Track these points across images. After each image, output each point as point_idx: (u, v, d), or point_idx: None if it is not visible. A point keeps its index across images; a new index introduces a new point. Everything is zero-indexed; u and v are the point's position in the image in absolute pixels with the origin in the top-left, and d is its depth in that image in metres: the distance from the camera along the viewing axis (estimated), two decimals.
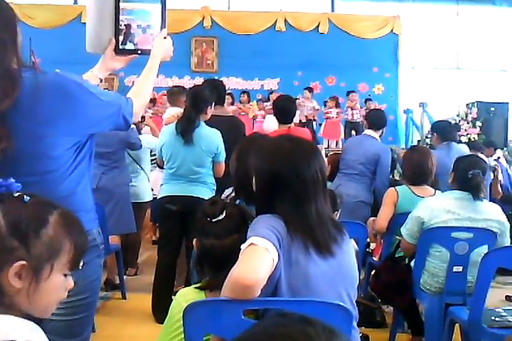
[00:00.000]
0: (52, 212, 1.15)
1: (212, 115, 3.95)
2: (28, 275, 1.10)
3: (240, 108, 11.08)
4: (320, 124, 11.66)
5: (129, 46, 1.89)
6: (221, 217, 1.73)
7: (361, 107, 11.46)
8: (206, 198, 3.62)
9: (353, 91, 11.54)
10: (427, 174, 3.52)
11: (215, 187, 3.79)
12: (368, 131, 4.55)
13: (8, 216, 1.09)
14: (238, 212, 1.77)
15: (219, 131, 3.76)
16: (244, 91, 11.46)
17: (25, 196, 1.13)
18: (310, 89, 11.54)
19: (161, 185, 3.92)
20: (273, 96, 11.11)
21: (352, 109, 11.33)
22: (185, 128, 3.69)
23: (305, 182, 1.66)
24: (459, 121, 9.81)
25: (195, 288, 1.75)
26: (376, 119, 4.59)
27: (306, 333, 0.75)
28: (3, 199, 1.11)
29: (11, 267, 1.09)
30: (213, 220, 1.74)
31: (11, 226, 1.09)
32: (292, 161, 1.68)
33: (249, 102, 11.25)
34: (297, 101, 10.78)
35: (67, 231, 1.15)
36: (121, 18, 1.87)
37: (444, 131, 4.65)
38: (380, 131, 4.54)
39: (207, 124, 3.79)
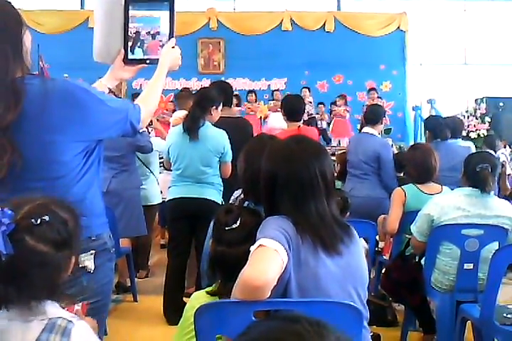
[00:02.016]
0: (56, 209, 1.32)
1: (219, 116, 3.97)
2: (75, 259, 1.37)
3: (248, 108, 11.09)
4: (328, 124, 11.65)
5: (139, 52, 1.90)
6: (234, 226, 1.74)
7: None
8: (214, 199, 3.65)
9: (373, 89, 11.42)
10: (431, 171, 3.52)
11: (222, 188, 3.81)
12: (366, 129, 4.49)
13: (47, 241, 1.27)
14: (253, 221, 1.75)
15: (225, 132, 3.78)
16: (251, 91, 11.47)
17: (45, 217, 1.28)
18: (309, 89, 11.47)
19: (169, 187, 3.94)
20: (277, 94, 11.14)
21: None
22: (190, 126, 3.72)
23: (302, 184, 1.67)
24: (468, 117, 9.76)
25: (207, 292, 1.76)
26: (371, 114, 4.54)
27: (295, 332, 0.75)
28: (30, 230, 1.25)
29: (69, 266, 1.34)
30: (226, 228, 1.75)
31: (55, 246, 1.28)
32: (291, 163, 1.69)
33: (256, 101, 11.25)
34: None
35: (68, 213, 1.34)
36: (130, 25, 1.88)
37: (434, 129, 4.56)
38: (379, 126, 4.50)
39: (214, 125, 3.81)
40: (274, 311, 1.58)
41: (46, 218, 1.27)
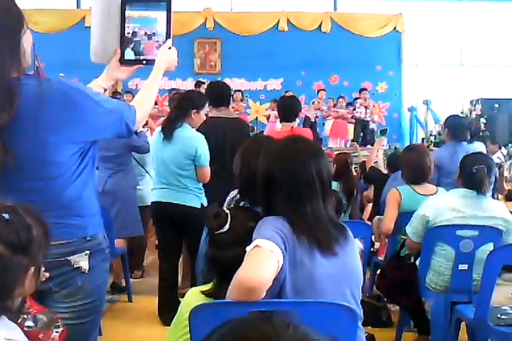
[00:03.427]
0: (22, 213, 1.23)
1: (216, 117, 3.96)
2: (34, 272, 1.22)
3: (232, 107, 11.03)
4: (323, 124, 11.65)
5: (129, 53, 1.89)
6: (223, 230, 1.73)
7: (373, 106, 11.47)
8: (192, 205, 3.65)
9: (365, 89, 11.45)
10: (426, 172, 3.53)
11: (201, 192, 3.76)
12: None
13: (2, 240, 1.16)
14: (243, 225, 1.74)
15: (223, 132, 3.76)
16: (237, 90, 11.39)
17: (4, 215, 1.19)
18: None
19: (152, 189, 3.96)
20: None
21: (366, 108, 11.21)
22: (166, 126, 3.73)
23: (298, 184, 1.67)
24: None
25: (202, 292, 1.76)
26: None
27: (250, 327, 0.77)
28: None
29: (26, 277, 1.20)
30: (216, 232, 1.75)
31: (11, 246, 1.17)
32: (287, 163, 1.69)
33: (242, 101, 11.17)
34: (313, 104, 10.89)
35: (37, 222, 1.25)
36: (126, 26, 1.88)
37: (455, 129, 4.51)
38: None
39: (210, 125, 3.80)
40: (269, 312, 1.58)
41: (6, 216, 1.19)
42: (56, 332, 1.34)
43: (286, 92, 11.12)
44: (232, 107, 10.96)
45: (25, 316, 1.30)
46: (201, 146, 3.66)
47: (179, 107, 3.74)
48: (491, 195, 3.11)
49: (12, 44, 1.57)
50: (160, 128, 3.79)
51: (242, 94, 11.33)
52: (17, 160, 1.57)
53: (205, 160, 3.67)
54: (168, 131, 3.67)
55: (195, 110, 3.71)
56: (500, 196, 5.24)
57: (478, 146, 4.76)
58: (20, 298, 1.24)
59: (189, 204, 3.68)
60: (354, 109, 11.29)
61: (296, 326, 0.78)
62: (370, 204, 5.18)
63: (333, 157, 5.07)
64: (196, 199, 3.71)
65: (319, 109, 11.27)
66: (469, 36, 13.20)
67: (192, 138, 3.67)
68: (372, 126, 11.49)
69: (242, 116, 10.08)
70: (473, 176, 2.98)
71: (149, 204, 4.75)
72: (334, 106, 11.33)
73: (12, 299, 1.19)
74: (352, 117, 11.24)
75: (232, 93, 10.94)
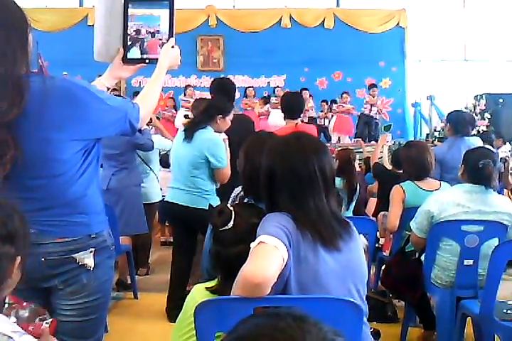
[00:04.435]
0: (3, 205, 1.25)
1: None
2: (20, 262, 1.23)
3: (246, 103, 11.08)
4: (329, 121, 11.63)
5: (135, 51, 1.89)
6: (227, 227, 1.74)
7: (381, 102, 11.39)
8: (201, 207, 3.62)
9: (375, 86, 11.37)
10: (428, 167, 3.53)
11: (209, 193, 3.73)
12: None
13: None
14: (247, 222, 1.74)
15: (228, 129, 3.77)
16: (249, 86, 11.48)
17: None
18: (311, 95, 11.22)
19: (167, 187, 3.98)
20: (279, 90, 11.12)
21: (372, 106, 11.14)
22: (189, 127, 3.74)
23: (300, 180, 1.67)
24: None
25: (207, 288, 1.77)
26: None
27: (279, 328, 0.77)
28: None
29: (14, 267, 1.20)
30: (220, 229, 1.75)
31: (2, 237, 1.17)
32: (289, 159, 1.69)
33: (255, 97, 11.25)
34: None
35: (16, 213, 1.26)
36: (129, 24, 1.88)
37: (457, 123, 4.45)
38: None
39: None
40: (274, 308, 1.58)
41: None
42: (46, 323, 1.35)
43: (276, 88, 11.21)
44: (245, 103, 11.03)
45: (9, 312, 1.32)
46: (214, 149, 3.63)
47: (206, 112, 3.74)
48: (497, 190, 3.10)
49: (22, 40, 1.59)
50: (183, 128, 3.82)
51: (254, 90, 11.40)
52: (22, 158, 1.58)
53: (221, 162, 3.65)
54: (190, 132, 3.69)
55: (220, 115, 3.72)
56: (505, 191, 5.23)
57: (475, 141, 4.76)
58: (7, 290, 1.24)
59: (196, 206, 3.67)
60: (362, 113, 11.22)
61: (323, 327, 0.78)
62: (373, 199, 5.17)
63: (334, 152, 5.06)
64: (204, 200, 3.67)
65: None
66: (473, 31, 13.14)
67: (207, 140, 3.65)
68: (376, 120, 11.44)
69: (251, 112, 10.16)
70: (481, 171, 2.96)
71: (154, 201, 4.80)
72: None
73: (2, 291, 1.20)
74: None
75: (245, 89, 11.11)
